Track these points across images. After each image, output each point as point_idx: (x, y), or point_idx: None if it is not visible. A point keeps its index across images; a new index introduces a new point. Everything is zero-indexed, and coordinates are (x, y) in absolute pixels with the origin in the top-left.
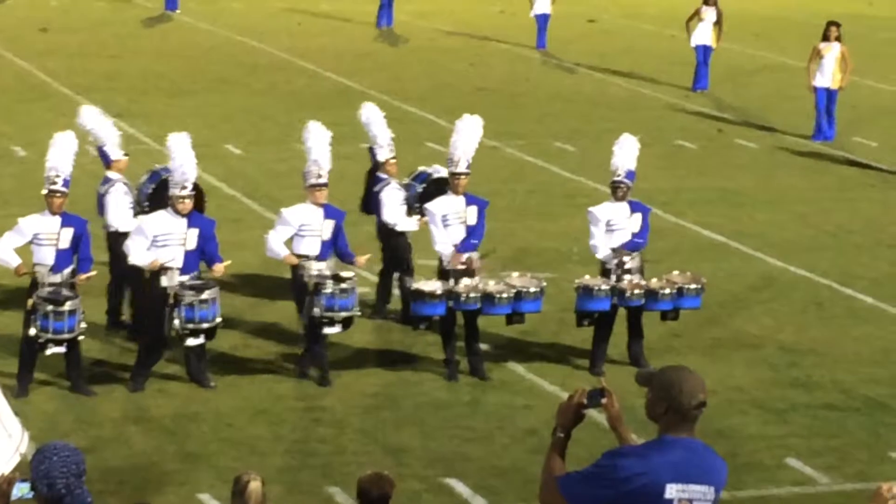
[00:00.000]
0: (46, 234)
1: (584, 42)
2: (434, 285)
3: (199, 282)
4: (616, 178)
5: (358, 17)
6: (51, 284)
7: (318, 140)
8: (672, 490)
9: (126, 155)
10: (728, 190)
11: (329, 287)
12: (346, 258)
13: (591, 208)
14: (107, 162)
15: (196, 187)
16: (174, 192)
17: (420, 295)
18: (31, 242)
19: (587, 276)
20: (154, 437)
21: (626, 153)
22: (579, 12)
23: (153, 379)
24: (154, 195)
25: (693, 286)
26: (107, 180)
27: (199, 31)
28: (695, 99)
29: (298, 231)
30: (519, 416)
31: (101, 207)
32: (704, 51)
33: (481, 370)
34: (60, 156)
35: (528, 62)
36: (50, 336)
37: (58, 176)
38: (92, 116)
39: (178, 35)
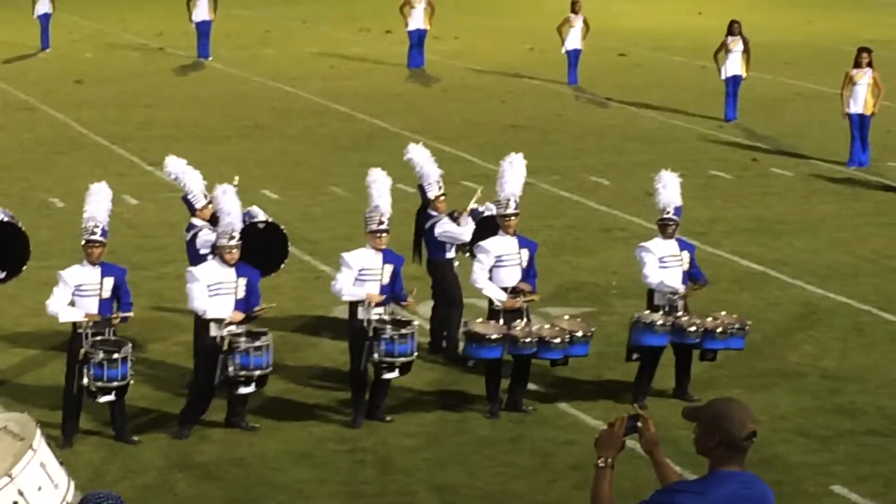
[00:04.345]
0: (89, 284)
1: (616, 76)
2: (491, 328)
3: (254, 329)
4: (665, 216)
5: (389, 58)
6: (95, 334)
7: (380, 186)
8: None
9: (210, 203)
10: (764, 219)
11: (388, 332)
12: (400, 300)
13: (642, 243)
14: (192, 210)
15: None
16: (222, 241)
17: (478, 338)
18: (72, 293)
19: (646, 312)
20: (199, 483)
21: (671, 190)
22: (609, 46)
23: (195, 425)
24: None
25: (738, 326)
26: (191, 227)
27: (231, 78)
28: (728, 129)
29: (358, 275)
30: (563, 452)
31: (191, 252)
32: (734, 81)
33: (521, 404)
34: (97, 206)
35: (560, 98)
36: (102, 384)
37: (96, 227)
38: (178, 166)
39: (210, 82)
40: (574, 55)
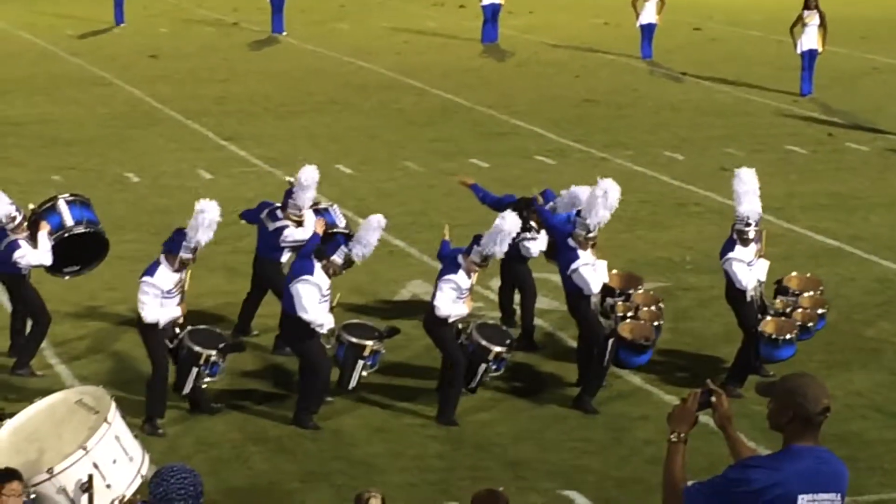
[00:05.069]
0: (175, 285)
1: (690, 50)
2: (640, 331)
3: (384, 330)
4: (746, 228)
5: (463, 33)
6: (175, 325)
7: (505, 239)
8: (804, 500)
9: (302, 215)
10: (840, 194)
11: (506, 355)
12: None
13: (730, 255)
14: (284, 206)
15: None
16: (338, 261)
17: (635, 346)
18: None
19: (766, 322)
20: (273, 457)
21: (752, 199)
22: (684, 20)
23: (269, 398)
24: None
25: (821, 311)
26: (275, 217)
27: (305, 53)
28: (803, 104)
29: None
30: (636, 427)
31: (262, 232)
32: (810, 55)
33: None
34: (206, 233)
35: (635, 72)
36: (214, 379)
37: (197, 250)
38: (310, 176)
39: (285, 57)
40: (649, 29)
